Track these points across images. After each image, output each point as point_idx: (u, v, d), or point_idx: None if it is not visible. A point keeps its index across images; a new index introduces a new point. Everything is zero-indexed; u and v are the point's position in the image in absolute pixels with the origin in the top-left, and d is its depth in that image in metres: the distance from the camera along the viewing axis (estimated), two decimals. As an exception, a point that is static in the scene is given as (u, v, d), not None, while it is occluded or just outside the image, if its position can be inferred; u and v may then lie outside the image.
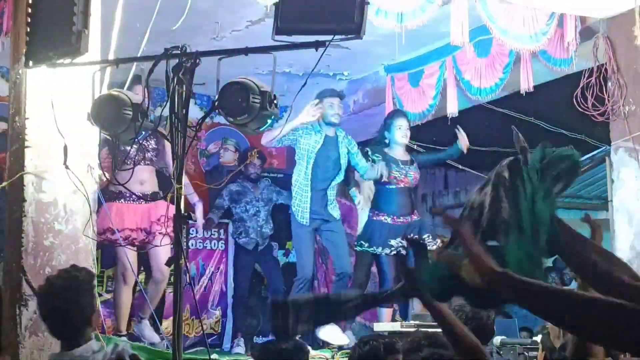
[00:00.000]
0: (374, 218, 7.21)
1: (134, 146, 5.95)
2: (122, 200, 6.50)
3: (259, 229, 8.18)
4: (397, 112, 7.57)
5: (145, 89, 4.32)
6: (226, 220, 8.83)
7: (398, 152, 7.28)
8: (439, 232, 7.75)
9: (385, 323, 6.83)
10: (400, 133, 7.22)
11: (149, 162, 6.59)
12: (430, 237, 7.09)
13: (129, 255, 6.37)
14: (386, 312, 7.16)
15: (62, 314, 3.55)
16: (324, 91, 7.22)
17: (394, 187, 7.18)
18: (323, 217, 7.00)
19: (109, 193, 6.39)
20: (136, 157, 6.27)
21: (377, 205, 7.27)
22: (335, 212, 7.09)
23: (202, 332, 8.15)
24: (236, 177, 8.41)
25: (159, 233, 6.37)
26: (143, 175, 6.43)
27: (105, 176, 5.28)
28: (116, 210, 6.43)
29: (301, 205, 6.93)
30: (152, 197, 6.49)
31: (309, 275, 6.98)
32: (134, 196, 6.40)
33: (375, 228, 7.14)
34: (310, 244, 7.08)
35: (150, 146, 6.54)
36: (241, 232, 8.22)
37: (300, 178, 7.00)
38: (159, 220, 6.42)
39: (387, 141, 7.26)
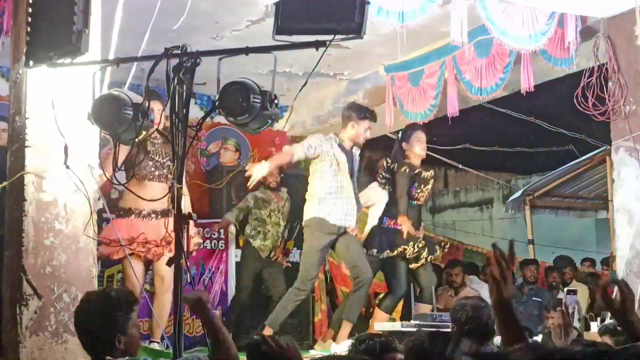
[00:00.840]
0: (390, 226, 7.19)
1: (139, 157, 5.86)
2: (133, 216, 6.35)
3: (277, 237, 8.17)
4: (416, 125, 7.51)
5: (146, 89, 4.32)
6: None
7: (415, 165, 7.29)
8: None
9: (386, 322, 6.82)
10: (420, 146, 7.22)
11: (163, 180, 6.33)
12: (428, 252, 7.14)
13: (136, 269, 6.24)
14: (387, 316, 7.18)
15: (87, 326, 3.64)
16: (360, 108, 7.02)
17: (414, 202, 7.21)
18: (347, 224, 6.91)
19: (119, 210, 6.28)
20: (143, 171, 6.19)
21: (393, 213, 7.24)
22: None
23: (202, 331, 8.15)
24: (257, 186, 8.37)
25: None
26: (153, 192, 6.15)
27: (105, 176, 5.27)
28: (127, 225, 6.21)
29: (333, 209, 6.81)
30: (163, 214, 6.37)
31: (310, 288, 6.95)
32: (141, 213, 6.30)
33: (389, 234, 7.14)
34: (321, 260, 6.97)
35: (166, 163, 6.37)
36: (259, 232, 8.18)
37: (332, 185, 6.80)
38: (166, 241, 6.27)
39: (406, 153, 7.25)
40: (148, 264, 6.44)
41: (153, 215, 6.32)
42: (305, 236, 6.90)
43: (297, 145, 7.05)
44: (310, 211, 6.82)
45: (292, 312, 8.22)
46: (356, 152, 7.01)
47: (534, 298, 9.14)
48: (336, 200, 6.76)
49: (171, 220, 6.18)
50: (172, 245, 6.15)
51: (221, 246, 8.87)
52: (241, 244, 8.68)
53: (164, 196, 5.70)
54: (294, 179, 8.71)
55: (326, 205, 6.74)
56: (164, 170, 6.35)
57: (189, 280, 6.19)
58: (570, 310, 6.16)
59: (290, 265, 8.67)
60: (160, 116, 5.57)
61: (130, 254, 6.12)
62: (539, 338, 6.17)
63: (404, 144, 7.26)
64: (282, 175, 8.43)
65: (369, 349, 3.85)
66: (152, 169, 6.30)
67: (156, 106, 5.48)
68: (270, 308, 8.06)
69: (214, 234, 8.88)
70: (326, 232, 6.74)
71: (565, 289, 7.42)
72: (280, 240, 8.25)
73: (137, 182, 6.12)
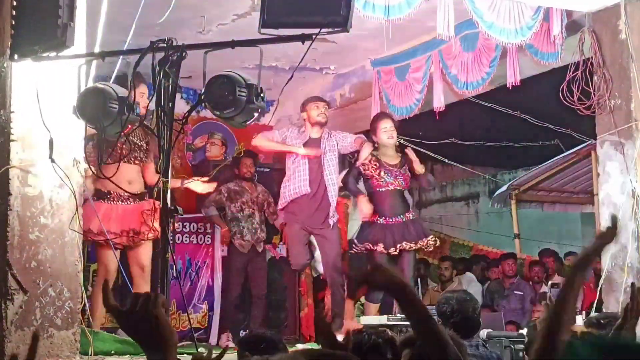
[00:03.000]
0: (367, 219, 7.24)
1: (121, 140, 5.79)
2: (108, 200, 6.30)
3: (253, 231, 8.12)
4: (381, 115, 7.57)
5: (132, 83, 4.31)
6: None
7: (388, 155, 7.27)
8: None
9: (372, 316, 6.84)
10: (386, 135, 7.20)
11: (137, 162, 6.37)
12: (421, 238, 7.12)
13: (111, 258, 6.22)
14: (373, 307, 7.17)
15: None
16: (309, 98, 7.39)
17: (383, 189, 7.20)
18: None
19: (96, 191, 6.22)
20: (122, 153, 6.11)
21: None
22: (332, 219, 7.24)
23: (189, 326, 8.14)
24: (232, 178, 8.36)
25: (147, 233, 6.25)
26: (130, 174, 6.20)
27: (91, 170, 5.25)
28: (102, 210, 6.11)
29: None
30: (140, 197, 6.33)
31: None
32: (121, 196, 6.25)
33: (368, 228, 7.17)
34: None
35: (142, 145, 6.32)
36: (235, 233, 8.16)
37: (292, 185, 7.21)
38: (144, 220, 6.23)
39: (376, 145, 7.26)
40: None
41: (131, 200, 6.27)
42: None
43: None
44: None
45: (279, 306, 8.26)
46: (325, 135, 7.26)
47: (515, 292, 9.17)
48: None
49: (148, 204, 6.25)
50: (151, 232, 6.18)
51: (207, 240, 8.86)
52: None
53: (154, 186, 5.68)
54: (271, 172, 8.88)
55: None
56: (139, 152, 6.30)
57: (174, 274, 6.20)
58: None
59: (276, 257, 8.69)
60: (145, 100, 5.55)
61: (106, 240, 6.08)
62: (524, 331, 6.19)
63: (373, 137, 7.29)
64: (256, 166, 8.44)
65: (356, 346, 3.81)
66: (127, 150, 6.21)
67: (140, 89, 5.44)
68: (251, 303, 8.07)
69: (200, 229, 8.87)
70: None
71: (550, 282, 7.45)
72: (259, 231, 8.17)
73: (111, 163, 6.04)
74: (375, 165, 7.17)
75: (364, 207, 7.09)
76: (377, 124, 7.28)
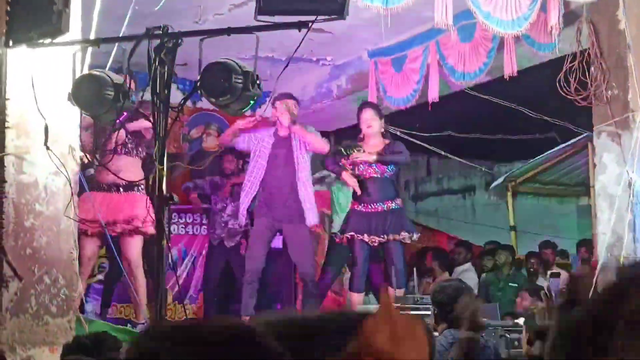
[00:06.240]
0: (351, 207, 7.25)
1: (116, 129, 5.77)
2: (97, 190, 6.29)
3: (238, 227, 8.11)
4: (363, 104, 7.53)
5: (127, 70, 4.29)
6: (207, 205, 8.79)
7: (371, 144, 7.25)
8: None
9: (362, 306, 6.84)
10: (365, 124, 7.19)
11: (127, 152, 6.39)
12: (406, 232, 7.10)
13: (89, 248, 6.24)
14: (357, 296, 7.18)
15: None
16: (279, 95, 7.32)
17: (361, 178, 7.20)
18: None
19: (88, 182, 6.21)
20: (116, 143, 6.10)
21: (353, 195, 7.31)
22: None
23: (185, 317, 8.12)
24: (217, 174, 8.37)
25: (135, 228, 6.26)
26: (118, 165, 6.23)
27: (87, 158, 5.24)
28: (90, 199, 6.09)
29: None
30: (126, 188, 6.33)
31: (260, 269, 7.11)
32: (104, 186, 6.24)
33: (349, 217, 7.19)
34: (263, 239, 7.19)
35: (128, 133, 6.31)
36: (223, 225, 8.13)
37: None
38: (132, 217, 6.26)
39: (361, 135, 7.28)
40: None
41: (115, 188, 6.26)
42: None
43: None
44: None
45: (274, 297, 8.23)
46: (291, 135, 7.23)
47: (510, 284, 9.17)
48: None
49: (137, 195, 6.25)
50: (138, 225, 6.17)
51: (203, 231, 8.86)
52: None
53: (142, 179, 5.67)
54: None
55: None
56: (128, 141, 6.30)
57: (170, 265, 6.19)
58: (553, 294, 6.20)
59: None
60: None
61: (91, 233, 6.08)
62: (520, 321, 6.19)
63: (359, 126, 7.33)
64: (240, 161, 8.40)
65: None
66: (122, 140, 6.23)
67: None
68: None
69: (196, 220, 8.87)
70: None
71: (549, 272, 7.43)
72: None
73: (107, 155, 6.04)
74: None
75: (349, 180, 7.12)
76: (359, 115, 7.29)
